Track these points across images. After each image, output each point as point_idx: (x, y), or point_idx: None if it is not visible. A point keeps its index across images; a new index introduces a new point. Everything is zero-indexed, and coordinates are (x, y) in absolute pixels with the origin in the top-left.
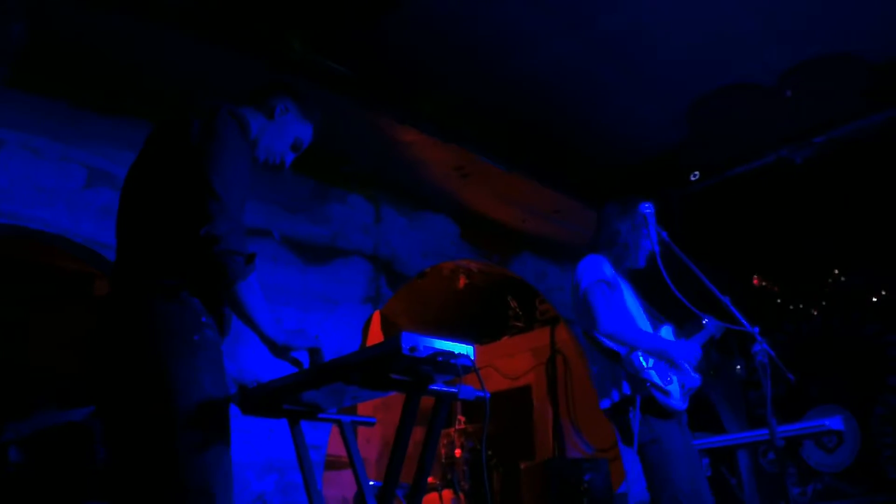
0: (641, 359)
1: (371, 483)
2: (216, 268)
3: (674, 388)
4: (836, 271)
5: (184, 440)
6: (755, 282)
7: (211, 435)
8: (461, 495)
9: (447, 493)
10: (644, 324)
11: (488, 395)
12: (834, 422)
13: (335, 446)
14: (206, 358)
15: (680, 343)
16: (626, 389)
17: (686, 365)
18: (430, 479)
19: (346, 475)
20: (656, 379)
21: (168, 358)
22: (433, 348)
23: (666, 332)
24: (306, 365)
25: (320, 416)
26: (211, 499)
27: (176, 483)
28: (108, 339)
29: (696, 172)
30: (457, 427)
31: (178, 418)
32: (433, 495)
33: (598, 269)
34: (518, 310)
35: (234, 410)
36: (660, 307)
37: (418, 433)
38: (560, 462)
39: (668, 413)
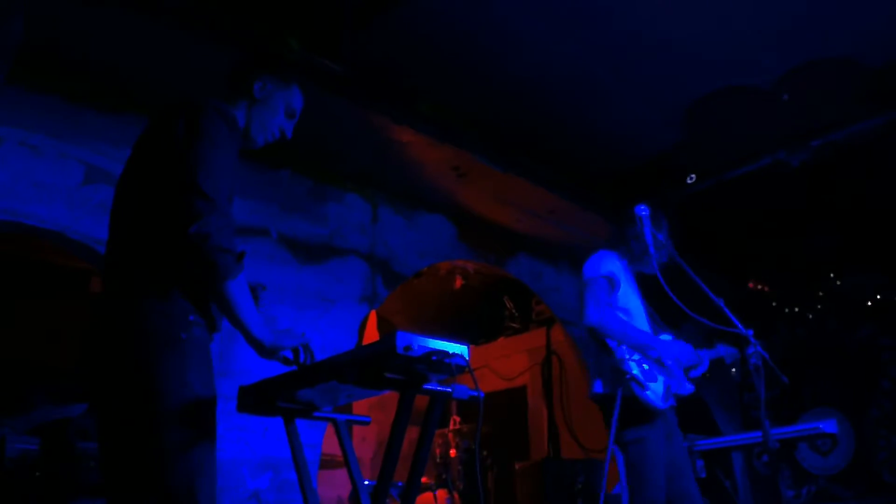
0: (626, 352)
1: (366, 482)
2: (207, 266)
3: (656, 386)
4: (832, 274)
5: (169, 439)
6: (750, 284)
7: (196, 434)
8: (455, 495)
9: (441, 493)
10: (642, 323)
11: (482, 394)
12: (828, 425)
13: (330, 445)
14: (193, 356)
15: (670, 342)
16: (609, 381)
17: (674, 365)
18: (424, 479)
19: (341, 474)
20: (636, 371)
21: (155, 357)
22: (428, 347)
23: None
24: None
25: (315, 414)
26: (193, 498)
27: (160, 482)
28: (100, 338)
29: (693, 175)
30: (452, 427)
31: (163, 417)
32: (427, 495)
33: (600, 264)
34: (514, 310)
35: (229, 408)
36: (666, 317)
37: (413, 433)
38: (555, 462)
39: (648, 411)
